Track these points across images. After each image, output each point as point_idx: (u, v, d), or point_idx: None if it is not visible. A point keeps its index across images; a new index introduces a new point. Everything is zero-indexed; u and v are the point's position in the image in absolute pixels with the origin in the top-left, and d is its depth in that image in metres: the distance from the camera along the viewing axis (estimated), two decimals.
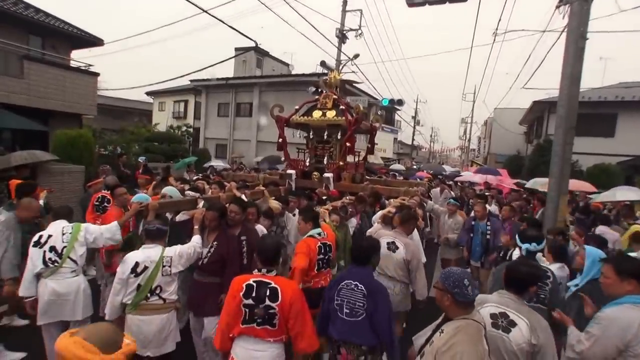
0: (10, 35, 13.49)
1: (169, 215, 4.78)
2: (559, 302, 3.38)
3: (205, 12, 10.39)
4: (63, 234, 3.82)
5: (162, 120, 28.37)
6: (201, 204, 4.70)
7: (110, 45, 16.82)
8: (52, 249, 3.76)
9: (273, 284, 2.75)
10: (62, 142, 11.03)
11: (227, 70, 29.26)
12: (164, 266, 3.39)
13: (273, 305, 2.70)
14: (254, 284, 2.76)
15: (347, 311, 3.04)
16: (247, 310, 2.73)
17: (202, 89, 26.59)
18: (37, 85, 13.38)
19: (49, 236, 3.81)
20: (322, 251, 3.99)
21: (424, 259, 4.81)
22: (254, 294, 2.73)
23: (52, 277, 3.72)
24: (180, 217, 4.63)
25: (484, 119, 46.28)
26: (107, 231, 3.98)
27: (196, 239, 3.79)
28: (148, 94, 31.71)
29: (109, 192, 5.84)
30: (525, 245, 3.75)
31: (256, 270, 2.86)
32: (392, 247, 4.30)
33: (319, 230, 4.09)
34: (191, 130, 25.84)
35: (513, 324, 2.49)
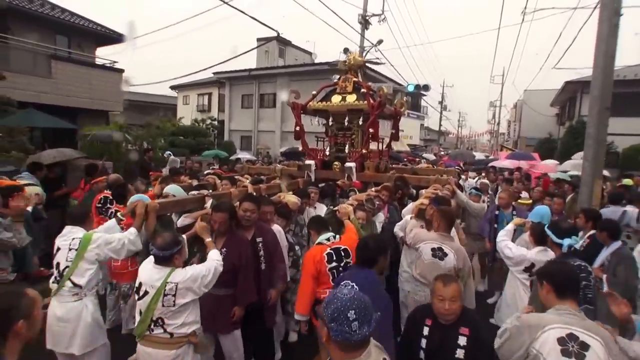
0: (38, 36, 13.87)
1: (174, 218, 4.22)
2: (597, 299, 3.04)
3: (226, 3, 10.36)
4: (70, 249, 3.15)
5: (186, 113, 28.68)
6: (209, 202, 4.08)
7: (134, 40, 17.02)
8: (57, 266, 3.16)
9: None
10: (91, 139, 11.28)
11: (249, 61, 29.33)
12: (165, 295, 2.70)
13: None
14: None
15: None
16: None
17: (226, 81, 26.74)
18: (65, 84, 13.71)
19: (58, 249, 3.21)
20: (335, 258, 3.38)
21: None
22: None
23: (56, 297, 3.13)
24: (182, 221, 3.89)
25: (513, 101, 45.12)
26: (130, 243, 3.27)
27: (214, 255, 3.07)
28: (172, 88, 32.11)
29: (111, 192, 5.17)
30: (566, 241, 3.24)
31: None
32: (438, 254, 3.66)
33: (327, 235, 3.55)
34: (216, 123, 26.06)
35: (585, 346, 1.99)
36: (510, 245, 3.85)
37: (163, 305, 2.70)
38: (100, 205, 5.12)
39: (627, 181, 9.70)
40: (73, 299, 3.10)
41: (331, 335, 1.63)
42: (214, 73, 25.14)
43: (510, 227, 4.27)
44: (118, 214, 3.70)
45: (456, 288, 2.57)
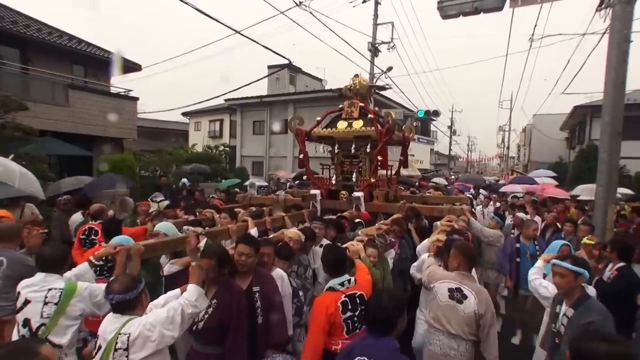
0: (56, 66, 14.40)
1: (165, 259, 3.78)
2: None
3: (238, 32, 10.64)
4: (46, 303, 2.60)
5: (198, 139, 29.07)
6: (203, 241, 3.60)
7: (147, 69, 17.42)
8: (26, 323, 2.58)
9: None
10: (106, 166, 11.52)
11: (261, 88, 29.78)
12: (116, 350, 2.16)
13: None
14: None
15: None
16: None
17: (237, 108, 27.17)
18: (81, 112, 14.12)
19: (26, 301, 2.62)
20: (350, 307, 2.91)
21: None
22: None
23: None
24: (169, 268, 3.45)
25: (522, 125, 45.15)
26: None
27: (192, 290, 2.54)
28: (184, 114, 32.61)
29: (97, 223, 4.91)
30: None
31: None
32: (457, 295, 3.12)
33: (341, 279, 3.00)
34: (228, 149, 26.36)
35: None
36: (546, 284, 3.57)
37: None
38: (84, 237, 4.80)
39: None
40: None
41: None
42: (225, 100, 25.54)
43: (540, 263, 3.94)
44: (91, 257, 3.17)
45: None
